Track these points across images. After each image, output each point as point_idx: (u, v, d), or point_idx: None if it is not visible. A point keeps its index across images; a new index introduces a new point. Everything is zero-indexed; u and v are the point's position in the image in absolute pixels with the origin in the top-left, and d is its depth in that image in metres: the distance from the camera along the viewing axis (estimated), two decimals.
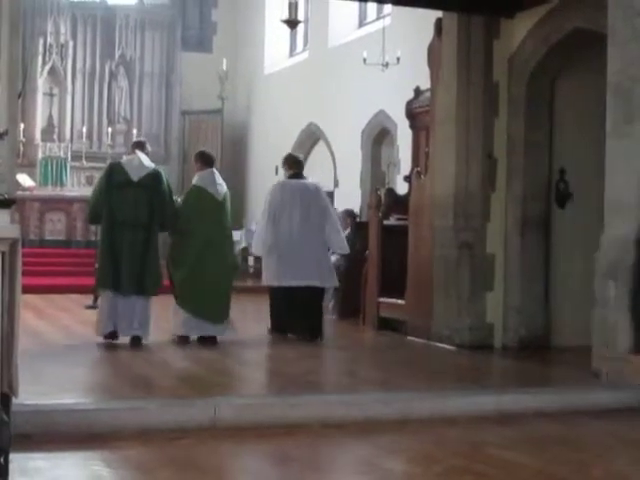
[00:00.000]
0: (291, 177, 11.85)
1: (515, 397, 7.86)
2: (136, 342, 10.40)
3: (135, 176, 10.50)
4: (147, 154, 11.00)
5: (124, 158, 11.15)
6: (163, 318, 11.07)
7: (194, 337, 10.80)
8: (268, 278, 11.58)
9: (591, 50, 10.36)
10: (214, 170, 11.10)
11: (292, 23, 15.98)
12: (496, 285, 11.31)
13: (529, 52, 11.05)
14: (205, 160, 11.20)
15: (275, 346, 11.31)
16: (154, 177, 10.62)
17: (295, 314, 11.46)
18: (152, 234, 10.51)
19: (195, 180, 11.08)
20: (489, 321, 11.28)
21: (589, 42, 10.37)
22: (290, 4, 15.29)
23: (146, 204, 10.44)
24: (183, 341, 10.70)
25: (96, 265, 11.17)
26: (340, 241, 11.74)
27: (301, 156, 12.89)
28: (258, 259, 13.02)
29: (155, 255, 10.57)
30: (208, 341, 10.67)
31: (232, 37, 24.46)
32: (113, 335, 10.42)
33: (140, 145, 11.13)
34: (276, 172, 21.26)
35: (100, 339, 10.45)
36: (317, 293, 11.55)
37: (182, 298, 10.72)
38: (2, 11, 6.89)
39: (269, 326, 11.79)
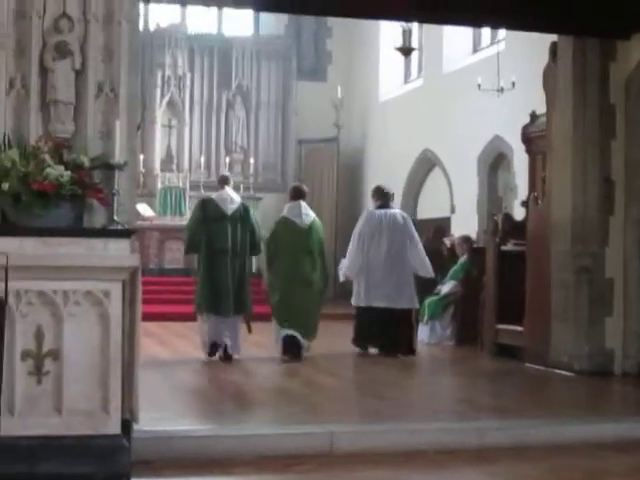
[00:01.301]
0: (379, 208, 13.03)
1: (635, 425, 7.70)
2: (228, 357, 11.51)
3: (228, 210, 11.70)
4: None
5: (214, 194, 12.20)
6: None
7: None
8: (356, 299, 12.84)
9: None
10: (301, 202, 12.20)
11: (406, 51, 16.02)
12: (615, 310, 11.11)
13: None
14: (294, 193, 12.42)
15: (377, 366, 11.69)
16: (244, 210, 11.84)
17: (377, 330, 12.59)
18: (245, 259, 11.77)
19: (283, 211, 12.34)
20: (609, 347, 11.08)
21: None
22: (404, 32, 15.34)
23: (239, 234, 11.65)
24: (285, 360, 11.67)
25: (195, 291, 12.07)
26: (425, 266, 12.90)
27: (388, 188, 13.60)
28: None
29: (248, 278, 11.87)
30: (294, 350, 11.73)
31: (347, 65, 24.62)
32: (214, 351, 11.56)
33: (226, 180, 12.25)
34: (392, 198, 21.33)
35: (205, 357, 11.57)
36: (403, 313, 12.65)
37: (278, 319, 11.87)
38: (121, 47, 7.05)
39: (353, 339, 12.87)
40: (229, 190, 11.99)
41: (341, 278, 13.44)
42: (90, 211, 6.59)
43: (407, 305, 12.80)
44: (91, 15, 6.96)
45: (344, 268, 13.13)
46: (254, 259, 13.02)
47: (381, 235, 12.72)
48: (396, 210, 13.40)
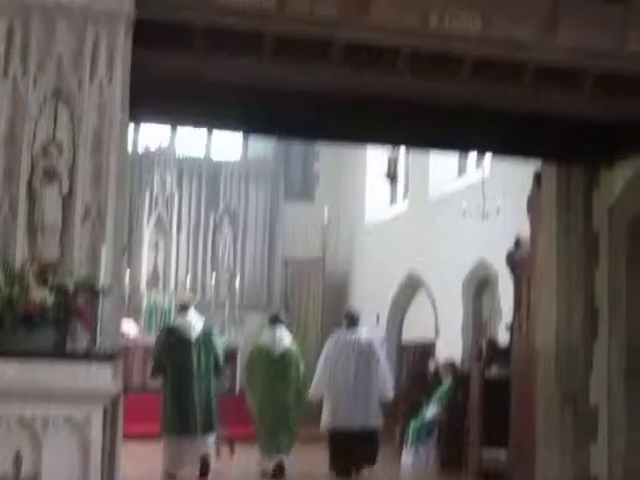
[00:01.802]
0: (347, 329, 13.45)
1: None
2: (204, 471, 11.94)
3: (192, 336, 12.18)
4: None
5: (177, 320, 12.84)
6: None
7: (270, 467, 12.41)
8: (324, 422, 13.08)
9: None
10: (278, 328, 12.88)
11: (391, 178, 16.25)
12: (600, 436, 11.04)
13: (630, 202, 11.01)
14: (271, 319, 13.18)
15: None
16: (207, 334, 12.39)
17: (347, 452, 12.85)
18: (211, 381, 12.24)
19: (259, 337, 13.19)
20: (594, 473, 10.98)
21: None
22: (390, 160, 15.58)
23: (202, 358, 12.13)
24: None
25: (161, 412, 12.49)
26: (385, 387, 13.22)
27: (356, 311, 14.13)
28: None
29: (214, 399, 12.23)
30: (279, 471, 12.30)
31: (334, 187, 24.82)
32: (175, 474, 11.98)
33: (186, 306, 12.70)
34: (377, 320, 21.34)
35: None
36: (370, 433, 12.96)
37: (258, 437, 12.55)
38: (109, 172, 7.14)
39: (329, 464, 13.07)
40: (191, 315, 12.49)
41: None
42: (73, 335, 6.59)
43: (373, 424, 13.03)
44: (80, 141, 7.06)
45: (310, 390, 13.38)
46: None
47: (347, 357, 13.07)
48: (363, 332, 13.66)
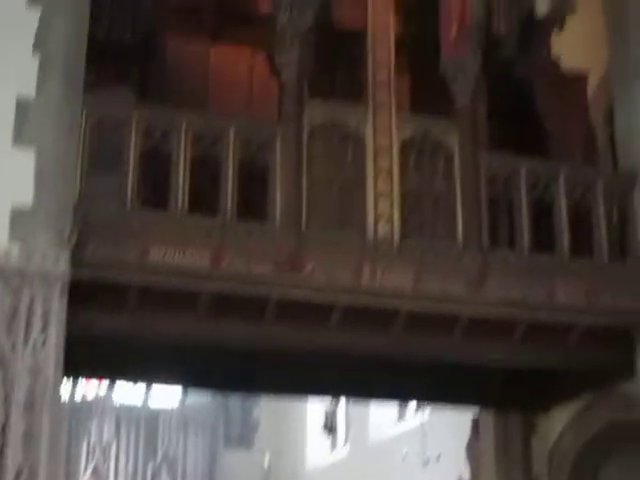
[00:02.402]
0: None
1: None
2: None
3: None
4: None
5: None
6: None
7: None
8: None
9: (632, 440, 10.33)
10: None
11: (329, 430, 16.19)
12: None
13: (569, 445, 11.01)
14: None
15: None
16: None
17: None
18: None
19: None
20: None
21: (628, 435, 10.35)
22: (327, 413, 15.56)
23: None
24: None
25: None
26: None
27: None
28: None
29: None
30: None
31: (274, 434, 24.52)
32: None
33: None
34: None
35: None
36: None
37: None
38: (42, 430, 7.06)
39: None
40: None
41: None
42: None
43: None
44: (13, 400, 7.00)
45: None
46: None
47: None
48: None
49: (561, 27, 11.07)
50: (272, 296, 8.13)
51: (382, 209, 8.37)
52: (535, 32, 10.62)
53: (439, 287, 8.39)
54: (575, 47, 10.92)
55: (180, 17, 9.56)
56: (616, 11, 9.77)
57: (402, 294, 8.28)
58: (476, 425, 11.66)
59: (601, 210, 9.18)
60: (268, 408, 24.57)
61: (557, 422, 11.09)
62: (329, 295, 8.19)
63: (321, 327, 8.44)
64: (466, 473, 12.27)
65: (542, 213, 9.07)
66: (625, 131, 9.66)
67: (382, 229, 8.35)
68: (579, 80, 10.59)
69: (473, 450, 11.84)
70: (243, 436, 24.92)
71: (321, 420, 16.21)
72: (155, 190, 8.21)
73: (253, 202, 8.27)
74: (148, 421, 24.09)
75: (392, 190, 8.43)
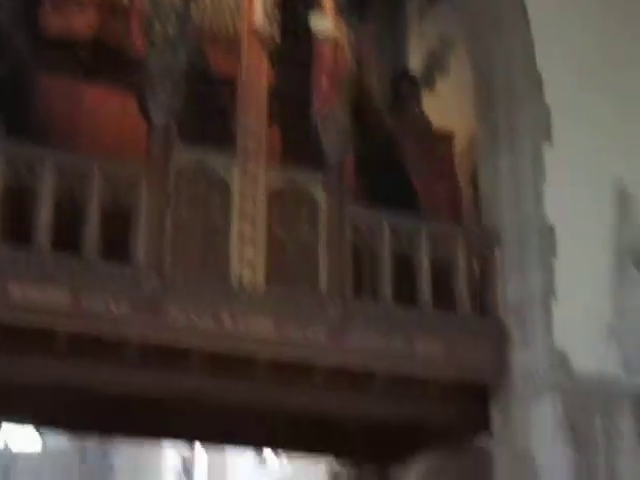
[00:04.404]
0: None
1: None
2: None
3: None
4: None
5: None
6: None
7: None
8: None
9: None
10: None
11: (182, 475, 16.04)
12: None
13: None
14: None
15: None
16: None
17: None
18: None
19: None
20: None
21: None
22: (184, 459, 15.44)
23: None
24: None
25: None
26: None
27: None
28: None
29: None
30: None
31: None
32: None
33: None
34: None
35: None
36: None
37: None
38: None
39: None
40: None
41: None
42: None
43: None
44: None
45: None
46: None
47: None
48: None
49: (432, 86, 11.33)
50: (131, 338, 8.02)
51: (246, 255, 8.38)
52: (407, 88, 10.83)
53: (300, 334, 8.39)
54: (445, 108, 11.17)
55: (54, 54, 9.47)
56: (484, 78, 10.03)
57: (263, 340, 8.25)
58: (334, 478, 11.68)
59: (462, 266, 9.35)
60: (126, 454, 24.14)
61: (411, 475, 11.20)
62: (189, 339, 8.12)
63: (181, 372, 8.35)
64: None
65: (406, 267, 9.20)
66: (489, 193, 9.88)
67: (245, 275, 8.35)
68: (447, 140, 10.83)
69: None
70: None
71: (178, 466, 16.03)
72: (19, 226, 8.05)
73: (117, 243, 8.19)
74: (7, 465, 23.48)
75: (256, 237, 8.45)
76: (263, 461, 19.38)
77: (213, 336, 8.15)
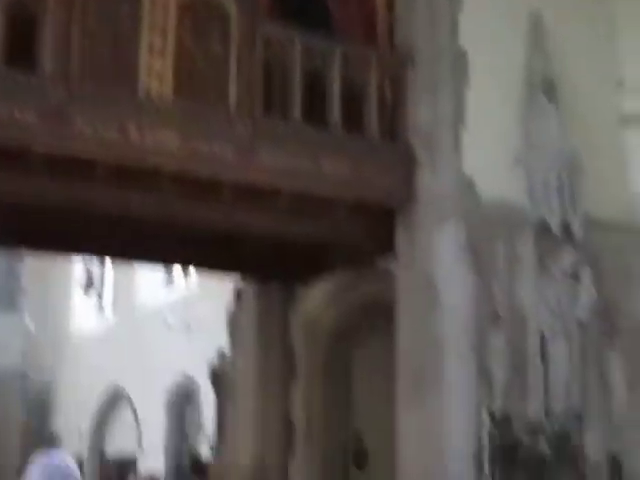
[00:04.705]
0: (48, 452, 12.62)
1: None
2: None
3: None
4: None
5: None
6: None
7: None
8: None
9: (384, 318, 10.71)
10: None
11: (88, 288, 16.12)
12: None
13: (325, 318, 11.38)
14: None
15: None
16: None
17: None
18: None
19: None
20: None
21: (382, 310, 10.71)
22: (87, 270, 15.44)
23: None
24: None
25: None
26: None
27: (54, 433, 14.08)
28: None
29: None
30: None
31: (40, 297, 24.13)
32: None
33: None
34: (80, 434, 20.76)
35: None
36: None
37: None
38: None
39: None
40: None
41: None
42: None
43: None
44: None
45: None
46: None
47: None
48: (63, 455, 13.21)
49: None
50: (37, 147, 7.85)
51: (154, 66, 8.18)
52: None
53: (207, 149, 8.31)
54: None
55: None
56: None
57: (169, 153, 8.14)
58: (238, 295, 11.80)
59: (374, 89, 9.29)
60: (35, 271, 24.16)
61: (316, 294, 11.38)
62: (95, 150, 7.96)
63: (86, 183, 8.25)
64: (227, 343, 12.45)
65: (317, 87, 9.11)
66: (404, 16, 9.75)
67: (153, 87, 8.17)
68: None
69: (234, 319, 12.01)
70: (7, 299, 24.41)
71: (84, 280, 16.13)
72: None
73: (25, 51, 7.93)
74: None
75: (166, 48, 8.25)
76: (170, 280, 19.59)
77: (119, 147, 8.00)
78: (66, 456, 13.38)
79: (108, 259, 17.13)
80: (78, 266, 21.98)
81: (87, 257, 16.33)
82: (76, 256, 17.47)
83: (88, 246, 10.75)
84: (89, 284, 16.59)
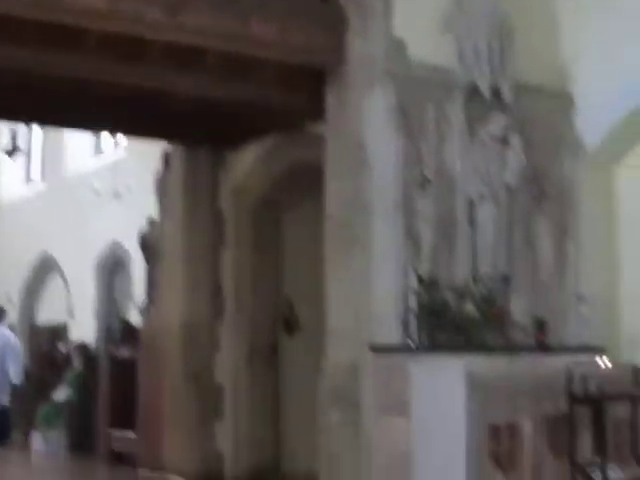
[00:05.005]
0: None
1: None
2: None
3: None
4: None
5: None
6: None
7: None
8: None
9: (313, 182, 10.68)
10: None
11: (11, 153, 15.83)
12: (226, 415, 11.29)
13: (254, 183, 11.32)
14: None
15: None
16: None
17: None
18: None
19: None
20: (219, 451, 11.22)
21: (311, 175, 10.67)
22: (12, 133, 15.12)
23: None
24: None
25: None
26: (16, 374, 13.08)
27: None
28: None
29: None
30: None
31: None
32: None
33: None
34: (9, 301, 20.67)
35: None
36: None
37: None
38: None
39: None
40: None
41: None
42: None
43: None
44: None
45: None
46: None
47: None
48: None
49: None
50: None
51: None
52: None
53: (133, 9, 8.06)
54: None
55: None
56: None
57: (94, 11, 7.88)
58: (166, 159, 11.67)
59: None
60: None
61: (245, 160, 11.31)
62: (20, 8, 7.65)
63: (12, 43, 8.00)
64: (155, 207, 12.38)
65: None
66: None
67: None
68: None
69: (162, 185, 11.92)
70: None
71: (9, 145, 15.82)
72: None
73: None
74: None
75: None
76: (99, 148, 19.33)
77: (43, 5, 7.74)
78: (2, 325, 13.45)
79: (35, 125, 16.79)
80: (3, 131, 21.57)
81: (12, 123, 15.95)
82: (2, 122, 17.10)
83: (15, 111, 10.50)
84: (14, 149, 16.23)
